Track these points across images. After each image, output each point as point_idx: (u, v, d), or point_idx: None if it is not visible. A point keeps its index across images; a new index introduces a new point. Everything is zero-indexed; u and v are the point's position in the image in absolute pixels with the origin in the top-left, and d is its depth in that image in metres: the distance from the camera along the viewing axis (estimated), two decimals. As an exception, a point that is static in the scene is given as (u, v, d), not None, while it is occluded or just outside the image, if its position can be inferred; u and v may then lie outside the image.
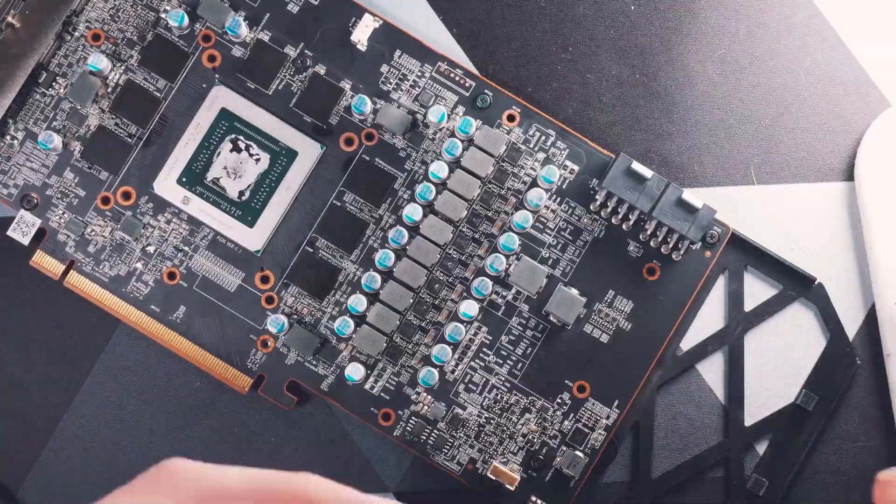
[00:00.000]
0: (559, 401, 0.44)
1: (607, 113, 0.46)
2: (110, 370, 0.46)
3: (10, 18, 0.44)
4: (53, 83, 0.45)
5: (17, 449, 0.46)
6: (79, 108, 0.45)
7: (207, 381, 0.46)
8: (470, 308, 0.44)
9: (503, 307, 0.45)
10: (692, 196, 0.43)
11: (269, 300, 0.45)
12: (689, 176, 0.46)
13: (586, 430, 0.44)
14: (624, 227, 0.45)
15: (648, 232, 0.44)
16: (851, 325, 0.46)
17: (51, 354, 0.46)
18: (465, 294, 0.45)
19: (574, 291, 0.44)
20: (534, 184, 0.45)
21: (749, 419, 0.45)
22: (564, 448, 0.44)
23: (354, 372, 0.44)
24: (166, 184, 0.45)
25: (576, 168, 0.45)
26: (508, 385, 0.45)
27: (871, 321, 0.46)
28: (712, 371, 0.46)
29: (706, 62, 0.47)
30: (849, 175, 0.46)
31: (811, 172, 0.46)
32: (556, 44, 0.47)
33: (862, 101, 0.46)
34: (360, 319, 0.44)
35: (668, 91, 0.47)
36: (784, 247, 0.46)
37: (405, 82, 0.45)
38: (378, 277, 0.44)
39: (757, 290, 0.46)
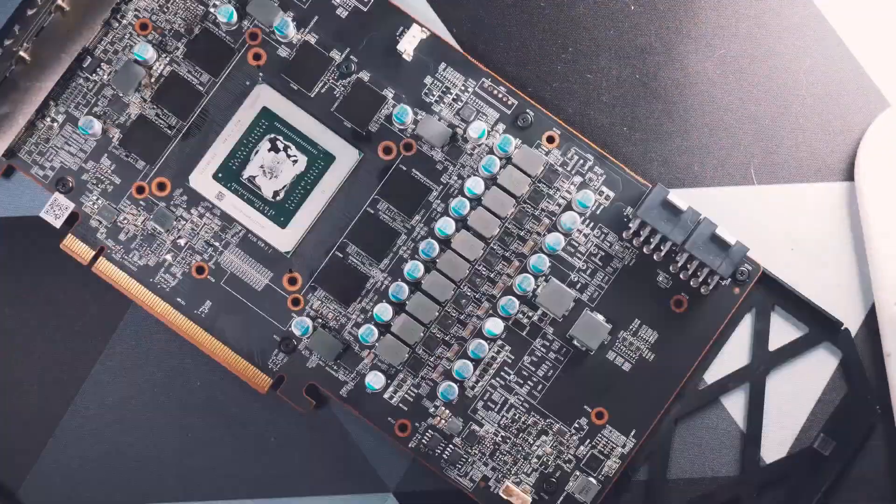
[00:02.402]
0: (577, 425, 0.44)
1: (607, 113, 0.46)
2: (111, 370, 0.46)
3: (59, 1, 0.45)
4: (98, 69, 0.45)
5: (17, 449, 0.46)
6: (121, 95, 0.45)
7: (208, 381, 0.46)
8: (495, 326, 0.44)
9: (528, 328, 0.45)
10: (726, 231, 0.43)
11: (296, 302, 0.45)
12: (689, 176, 0.46)
13: (601, 457, 0.44)
14: (655, 257, 0.45)
15: (679, 264, 0.44)
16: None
17: (51, 354, 0.46)
18: (490, 311, 0.45)
19: (600, 317, 0.44)
20: (568, 207, 0.45)
21: (765, 459, 0.45)
22: (578, 473, 0.44)
23: (375, 380, 0.44)
24: (202, 178, 0.45)
25: (612, 195, 0.45)
26: (527, 406, 0.44)
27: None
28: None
29: (706, 62, 0.47)
30: (849, 175, 0.46)
31: (811, 172, 0.46)
32: (556, 44, 0.47)
33: (862, 101, 0.46)
34: (384, 328, 0.44)
35: (668, 91, 0.47)
36: (784, 246, 0.46)
37: (448, 95, 0.45)
38: (406, 288, 0.44)
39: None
